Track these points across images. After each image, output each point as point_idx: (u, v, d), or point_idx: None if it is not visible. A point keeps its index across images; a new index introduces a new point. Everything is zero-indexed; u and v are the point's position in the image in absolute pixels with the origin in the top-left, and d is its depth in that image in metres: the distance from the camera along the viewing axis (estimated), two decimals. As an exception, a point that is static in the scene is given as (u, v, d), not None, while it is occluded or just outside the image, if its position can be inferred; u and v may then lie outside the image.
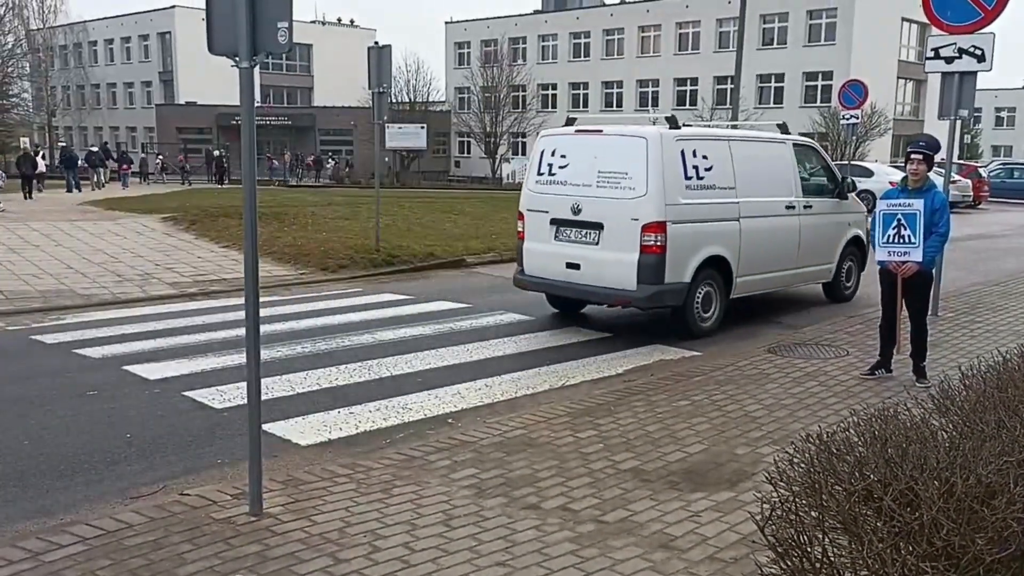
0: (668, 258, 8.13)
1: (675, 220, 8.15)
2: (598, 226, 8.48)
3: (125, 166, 37.42)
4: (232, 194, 25.41)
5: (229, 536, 3.99)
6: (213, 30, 4.17)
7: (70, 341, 8.26)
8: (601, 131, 8.79)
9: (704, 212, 8.48)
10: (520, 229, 9.32)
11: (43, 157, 34.48)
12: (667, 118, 8.67)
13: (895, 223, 6.55)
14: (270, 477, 4.62)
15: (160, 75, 63.13)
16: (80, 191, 30.77)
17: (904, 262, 6.55)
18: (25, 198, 25.82)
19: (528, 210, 9.16)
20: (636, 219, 8.14)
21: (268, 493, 4.39)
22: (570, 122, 9.17)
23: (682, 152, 8.38)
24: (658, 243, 8.09)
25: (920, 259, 6.51)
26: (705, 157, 8.53)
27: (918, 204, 6.47)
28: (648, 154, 8.16)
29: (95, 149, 37.65)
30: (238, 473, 4.87)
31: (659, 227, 8.07)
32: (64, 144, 42.75)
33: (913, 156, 6.64)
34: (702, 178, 8.48)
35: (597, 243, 8.50)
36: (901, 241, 6.53)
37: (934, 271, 9.17)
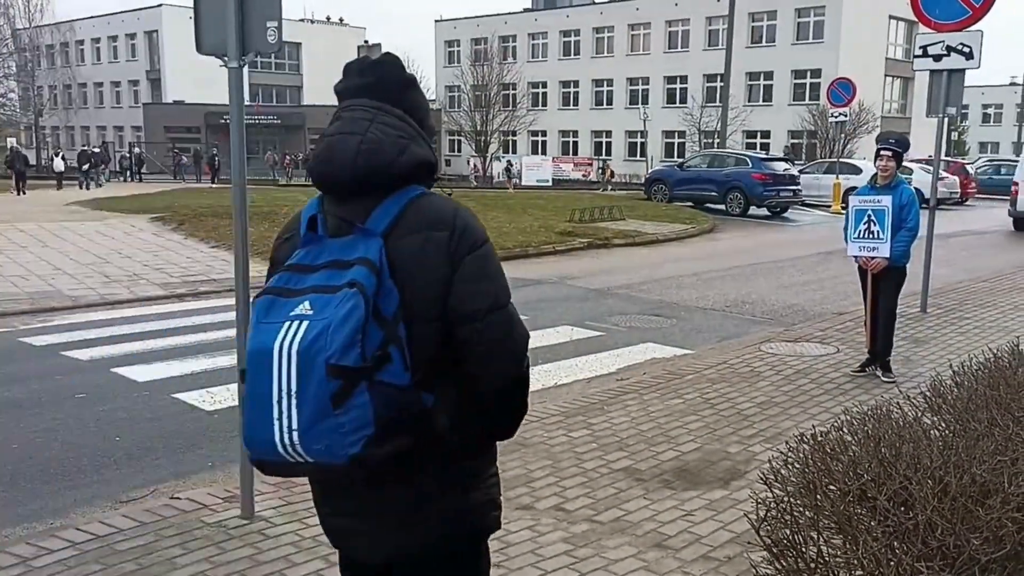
0: None
1: None
2: None
3: (102, 164, 37.81)
4: (221, 193, 25.30)
5: (221, 540, 3.96)
6: (201, 29, 4.14)
7: (58, 343, 8.20)
8: None
9: None
10: (1015, 188, 19.51)
11: (63, 158, 36.19)
12: None
13: (865, 219, 6.65)
14: (262, 480, 4.59)
15: (147, 74, 62.72)
16: (87, 188, 31.65)
17: (872, 257, 6.65)
18: (18, 194, 27.48)
19: (1019, 181, 19.38)
20: None
21: (260, 496, 4.37)
22: None
23: None
24: None
25: (887, 255, 6.59)
26: None
27: (887, 200, 6.57)
28: None
29: (97, 150, 38.68)
30: (229, 476, 4.84)
31: None
32: (84, 147, 43.38)
33: (883, 153, 6.71)
34: None
35: None
36: (871, 237, 6.64)
37: (923, 268, 9.24)
